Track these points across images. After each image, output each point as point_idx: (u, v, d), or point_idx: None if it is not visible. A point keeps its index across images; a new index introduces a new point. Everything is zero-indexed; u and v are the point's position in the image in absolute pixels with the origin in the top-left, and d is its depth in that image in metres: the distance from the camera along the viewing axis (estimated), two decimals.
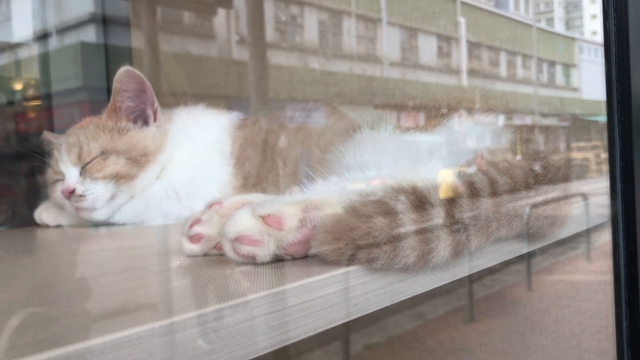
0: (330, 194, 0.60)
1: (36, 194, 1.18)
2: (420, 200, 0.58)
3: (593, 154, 1.72)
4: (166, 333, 0.38)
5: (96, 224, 1.06)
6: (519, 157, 0.80)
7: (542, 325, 1.58)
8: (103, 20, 1.59)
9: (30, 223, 1.17)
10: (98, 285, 0.55)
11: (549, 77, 2.55)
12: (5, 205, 1.34)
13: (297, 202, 0.57)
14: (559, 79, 2.57)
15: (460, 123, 0.84)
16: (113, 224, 1.06)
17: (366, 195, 0.57)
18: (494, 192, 0.66)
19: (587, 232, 1.37)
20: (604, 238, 0.93)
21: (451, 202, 0.61)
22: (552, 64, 2.58)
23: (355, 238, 0.53)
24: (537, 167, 0.73)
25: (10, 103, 1.57)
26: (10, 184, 1.40)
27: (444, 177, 0.63)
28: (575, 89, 2.65)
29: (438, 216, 0.59)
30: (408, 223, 0.56)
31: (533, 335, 1.54)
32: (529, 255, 1.71)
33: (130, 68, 1.02)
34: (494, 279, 1.79)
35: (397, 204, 0.57)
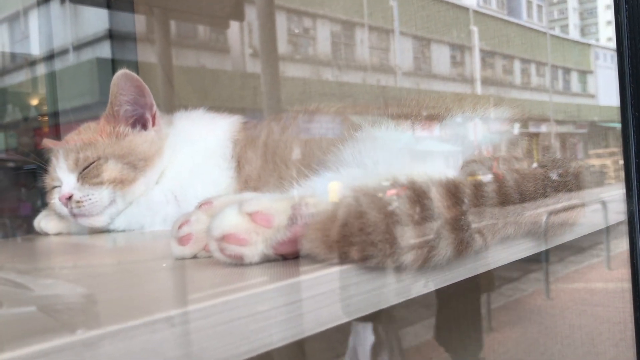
0: (322, 189, 0.57)
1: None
2: (418, 195, 0.55)
3: (611, 161, 1.68)
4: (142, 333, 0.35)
5: (95, 231, 1.03)
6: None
7: (561, 333, 1.55)
8: (110, 36, 1.60)
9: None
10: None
11: (565, 84, 2.52)
12: None
13: (287, 198, 0.54)
14: (575, 85, 2.54)
15: (461, 121, 0.80)
16: (112, 231, 1.03)
17: (360, 190, 0.54)
18: (500, 189, 0.62)
19: (607, 239, 1.34)
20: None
21: (453, 197, 0.57)
22: (567, 71, 2.55)
23: (348, 235, 0.50)
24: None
25: (25, 119, 1.59)
26: (20, 197, 1.42)
27: (444, 172, 0.59)
28: (592, 96, 2.62)
29: (439, 212, 0.55)
30: (405, 219, 0.53)
31: (552, 343, 1.50)
32: (547, 263, 1.67)
33: (127, 71, 0.99)
34: (512, 287, 1.76)
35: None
